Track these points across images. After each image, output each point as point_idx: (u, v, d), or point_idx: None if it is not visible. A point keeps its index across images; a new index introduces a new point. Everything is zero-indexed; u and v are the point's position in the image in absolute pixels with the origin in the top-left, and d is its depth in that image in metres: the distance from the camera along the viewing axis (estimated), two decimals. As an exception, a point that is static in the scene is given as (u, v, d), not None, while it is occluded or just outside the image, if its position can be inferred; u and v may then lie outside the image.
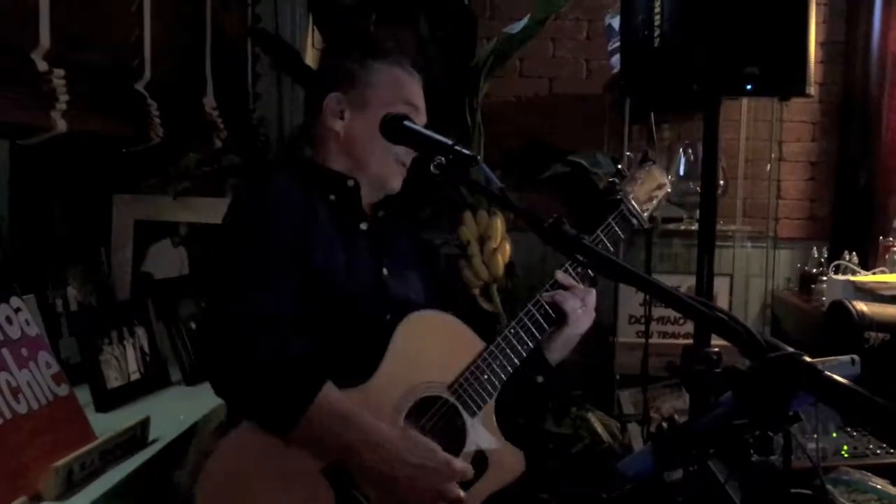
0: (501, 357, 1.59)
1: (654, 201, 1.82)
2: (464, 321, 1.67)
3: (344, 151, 1.66)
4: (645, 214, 1.79)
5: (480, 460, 1.55)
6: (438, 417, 1.54)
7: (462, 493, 1.45)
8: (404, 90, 1.67)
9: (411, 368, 1.53)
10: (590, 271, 1.68)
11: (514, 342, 1.60)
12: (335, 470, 1.40)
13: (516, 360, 1.60)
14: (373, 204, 1.72)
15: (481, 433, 1.57)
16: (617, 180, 1.79)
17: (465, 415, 1.55)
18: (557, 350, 1.69)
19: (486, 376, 1.57)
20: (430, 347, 1.57)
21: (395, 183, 1.68)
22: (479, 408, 1.57)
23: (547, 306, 1.63)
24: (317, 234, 1.55)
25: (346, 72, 1.68)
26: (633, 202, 1.76)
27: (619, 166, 1.82)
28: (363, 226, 1.65)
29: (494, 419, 1.60)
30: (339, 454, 1.40)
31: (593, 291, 1.68)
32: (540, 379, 1.69)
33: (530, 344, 1.62)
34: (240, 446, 1.41)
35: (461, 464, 1.48)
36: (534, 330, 1.62)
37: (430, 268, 1.82)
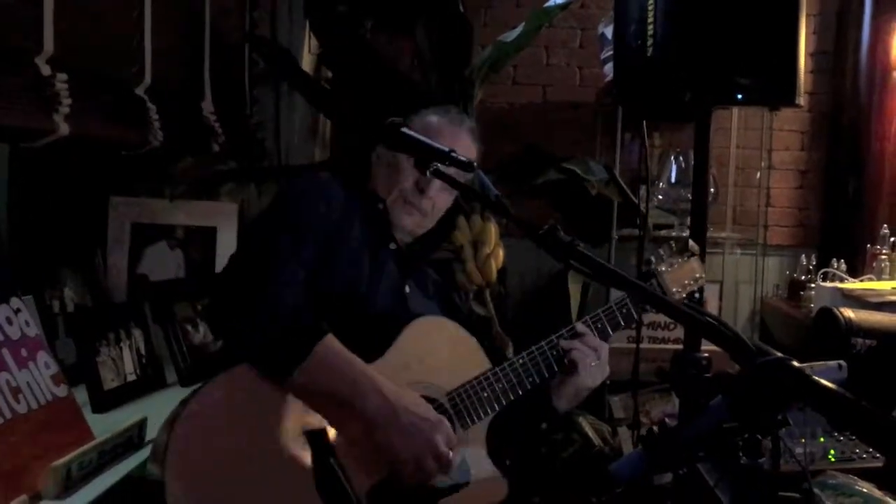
0: (505, 382, 1.61)
1: (686, 291, 1.82)
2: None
3: (375, 181, 1.77)
4: (674, 292, 1.80)
5: (463, 472, 1.56)
6: None
7: (450, 454, 1.48)
8: (429, 133, 1.66)
9: (414, 366, 1.56)
10: (609, 330, 1.70)
11: (521, 372, 1.62)
12: (318, 434, 1.43)
13: (519, 390, 1.62)
14: (406, 233, 1.79)
15: (469, 447, 1.58)
16: (653, 259, 1.80)
17: (457, 424, 1.57)
18: (566, 399, 1.70)
19: (485, 394, 1.59)
20: (437, 351, 1.60)
21: (402, 221, 1.73)
22: (473, 422, 1.59)
23: (560, 350, 1.66)
24: (350, 240, 1.62)
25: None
26: (666, 281, 1.77)
27: (661, 250, 1.82)
28: (392, 246, 1.73)
29: (485, 441, 1.62)
30: (339, 398, 1.42)
31: (606, 346, 1.69)
32: (544, 426, 1.75)
33: (536, 378, 1.63)
34: (224, 391, 1.42)
35: (450, 430, 1.50)
36: (542, 367, 1.64)
37: (450, 304, 1.86)
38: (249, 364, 1.43)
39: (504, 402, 1.61)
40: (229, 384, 1.42)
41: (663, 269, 1.78)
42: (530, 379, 1.63)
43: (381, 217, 1.73)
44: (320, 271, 1.56)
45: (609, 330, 1.71)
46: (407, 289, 1.73)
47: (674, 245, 1.83)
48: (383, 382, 1.45)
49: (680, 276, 1.81)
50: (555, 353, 1.65)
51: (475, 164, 1.45)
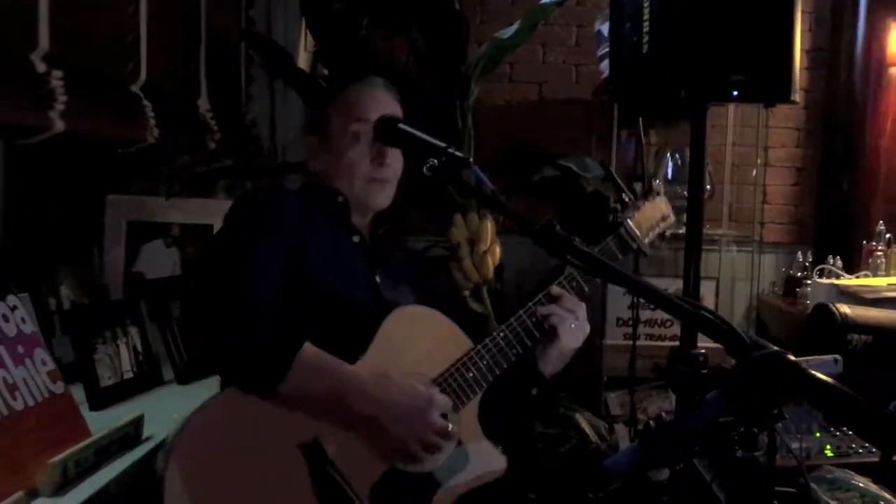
0: (489, 358, 1.61)
1: (657, 230, 1.87)
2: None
3: (329, 177, 1.73)
4: (646, 240, 1.83)
5: (461, 456, 1.57)
6: None
7: (449, 425, 1.49)
8: (355, 109, 1.71)
9: (396, 358, 1.55)
10: (584, 287, 1.71)
11: (503, 345, 1.63)
12: (311, 446, 1.42)
13: (504, 364, 1.62)
14: (370, 220, 1.77)
15: (463, 429, 1.58)
16: (619, 206, 1.83)
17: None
18: (551, 363, 1.70)
19: (471, 374, 1.60)
20: (418, 341, 1.59)
21: (376, 201, 1.72)
22: (463, 403, 1.59)
23: (538, 317, 1.66)
24: (314, 240, 1.61)
25: (315, 117, 1.80)
26: (633, 226, 1.80)
27: (624, 195, 1.89)
28: (356, 238, 1.71)
29: (478, 419, 1.62)
30: (327, 404, 1.43)
31: (583, 305, 1.70)
32: (535, 391, 1.73)
33: (519, 349, 1.64)
34: (213, 418, 1.42)
35: (442, 397, 1.52)
36: (523, 337, 1.65)
37: (425, 288, 1.83)
38: (231, 383, 1.43)
39: (491, 378, 1.62)
40: (218, 411, 1.42)
41: (630, 215, 1.80)
42: (513, 351, 1.63)
43: (341, 211, 1.71)
44: (292, 274, 1.55)
45: (584, 287, 1.72)
46: (377, 278, 1.72)
47: (638, 190, 1.86)
48: (366, 378, 1.46)
49: (648, 217, 1.84)
50: (534, 319, 1.66)
51: (470, 159, 1.46)
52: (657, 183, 1.91)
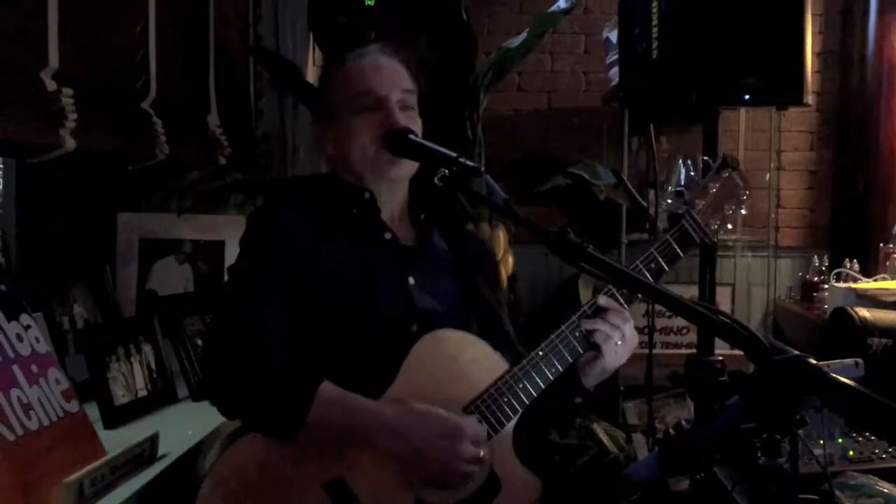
0: (525, 380, 1.50)
1: (727, 218, 1.64)
2: (506, 336, 1.61)
3: (346, 169, 1.61)
4: (714, 227, 1.63)
5: (492, 482, 1.49)
6: None
7: (480, 452, 1.43)
8: (356, 83, 1.57)
9: (424, 389, 1.47)
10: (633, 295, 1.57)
11: (542, 366, 1.51)
12: (336, 485, 1.40)
13: (542, 384, 1.51)
14: (402, 211, 1.66)
15: (496, 456, 1.49)
16: (684, 189, 1.62)
17: None
18: (593, 377, 1.59)
19: (505, 399, 1.49)
20: (447, 368, 1.50)
21: (391, 171, 1.56)
22: (496, 431, 1.48)
23: (581, 332, 1.53)
24: (333, 250, 1.53)
25: (316, 100, 1.69)
26: (698, 216, 1.61)
27: (692, 173, 1.62)
28: (387, 235, 1.59)
29: (512, 443, 1.52)
30: (350, 441, 1.40)
31: (631, 322, 1.56)
32: (578, 400, 1.61)
33: (560, 367, 1.52)
34: (238, 461, 1.41)
35: (471, 422, 1.45)
36: (565, 355, 1.53)
37: (478, 275, 1.69)
38: (251, 430, 1.43)
39: (527, 402, 1.50)
40: (240, 456, 1.42)
41: (698, 203, 1.60)
42: (553, 370, 1.51)
43: (369, 208, 1.58)
44: (305, 298, 1.49)
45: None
46: (411, 280, 1.58)
47: (711, 162, 1.62)
48: (389, 414, 1.41)
49: (718, 202, 1.61)
50: (577, 334, 1.53)
51: (482, 168, 1.44)
52: (731, 158, 1.62)
